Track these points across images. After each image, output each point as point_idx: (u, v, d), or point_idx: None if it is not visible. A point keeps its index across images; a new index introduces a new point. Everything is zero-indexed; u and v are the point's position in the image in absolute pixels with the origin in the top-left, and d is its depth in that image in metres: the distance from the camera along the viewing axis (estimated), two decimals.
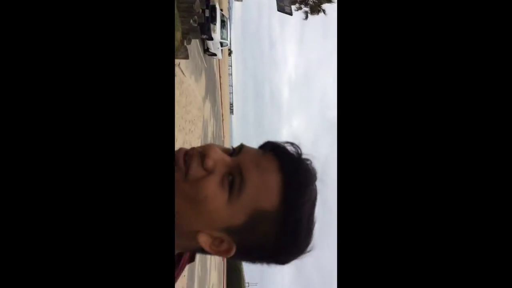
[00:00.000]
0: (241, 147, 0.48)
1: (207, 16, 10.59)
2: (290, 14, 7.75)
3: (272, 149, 0.47)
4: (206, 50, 12.57)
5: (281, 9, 7.73)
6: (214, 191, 0.43)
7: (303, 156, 0.47)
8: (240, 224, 0.44)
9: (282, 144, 0.47)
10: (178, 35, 4.69)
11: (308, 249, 0.47)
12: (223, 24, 13.09)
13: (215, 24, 11.62)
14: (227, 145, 0.55)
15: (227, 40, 14.02)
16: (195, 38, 6.41)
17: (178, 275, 0.52)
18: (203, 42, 12.04)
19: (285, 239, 0.45)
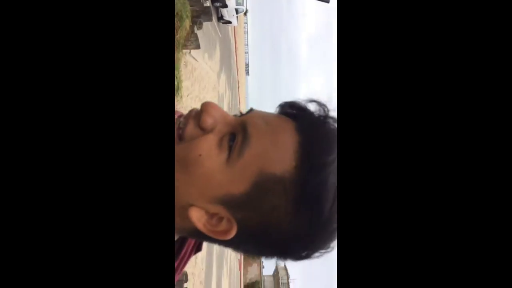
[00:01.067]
0: (250, 110, 0.42)
1: None
2: (327, 1, 6.13)
3: (289, 107, 0.41)
4: (220, 18, 11.52)
5: None
6: (209, 149, 0.38)
7: (330, 114, 0.40)
8: (241, 193, 0.38)
9: (302, 102, 0.41)
10: (187, 23, 3.93)
11: (333, 240, 0.38)
12: None
13: None
14: (243, 110, 0.46)
15: (242, 5, 12.90)
16: (207, 21, 5.54)
17: (180, 267, 0.47)
18: (216, 10, 10.99)
19: (302, 215, 0.37)
